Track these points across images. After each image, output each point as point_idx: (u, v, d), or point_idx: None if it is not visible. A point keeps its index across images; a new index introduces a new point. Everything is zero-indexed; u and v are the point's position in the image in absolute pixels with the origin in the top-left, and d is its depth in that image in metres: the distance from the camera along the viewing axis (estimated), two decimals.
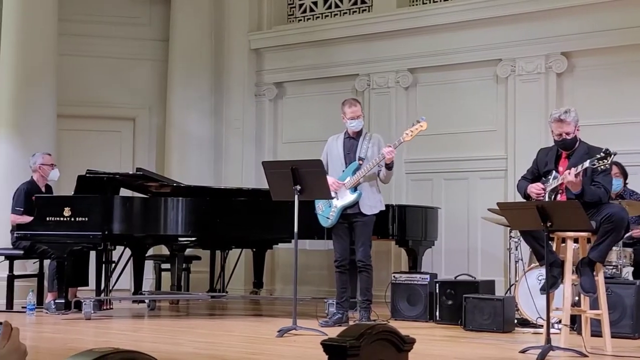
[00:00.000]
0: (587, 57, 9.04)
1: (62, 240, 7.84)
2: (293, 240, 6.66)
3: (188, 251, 9.18)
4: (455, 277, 8.13)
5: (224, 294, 9.35)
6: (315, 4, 11.11)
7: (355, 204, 7.03)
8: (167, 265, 9.22)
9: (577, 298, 6.11)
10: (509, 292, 7.85)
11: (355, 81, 10.39)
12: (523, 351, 5.50)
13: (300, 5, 11.24)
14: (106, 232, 7.70)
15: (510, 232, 7.91)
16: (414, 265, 8.71)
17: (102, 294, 8.07)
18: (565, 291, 5.57)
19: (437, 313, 7.49)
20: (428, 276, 7.77)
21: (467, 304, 6.99)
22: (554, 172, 5.85)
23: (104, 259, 8.09)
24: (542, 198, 5.76)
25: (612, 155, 5.46)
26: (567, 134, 5.78)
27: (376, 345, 2.51)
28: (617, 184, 7.24)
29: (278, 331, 6.31)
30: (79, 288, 8.47)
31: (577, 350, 5.30)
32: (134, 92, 11.37)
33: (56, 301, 7.91)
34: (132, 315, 8.36)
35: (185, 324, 7.61)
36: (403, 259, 9.47)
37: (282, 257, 10.64)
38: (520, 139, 9.17)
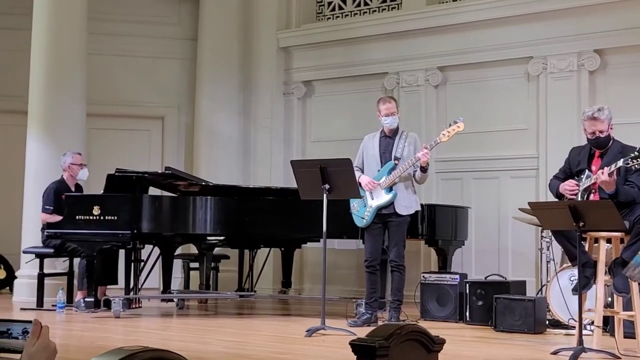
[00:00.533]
0: (620, 54, 8.93)
1: (92, 238, 7.88)
2: (322, 240, 6.63)
3: (216, 250, 9.19)
4: (486, 278, 8.05)
5: (252, 293, 9.35)
6: (344, 1, 11.08)
7: (390, 204, 6.99)
8: (195, 264, 9.23)
9: (609, 299, 6.03)
10: (540, 292, 7.77)
11: (384, 79, 10.35)
12: (555, 352, 5.43)
13: (329, 4, 11.21)
14: (135, 231, 7.72)
15: (541, 232, 7.83)
16: (444, 265, 8.65)
17: (131, 293, 8.09)
18: (597, 292, 5.50)
19: (467, 313, 7.43)
20: (458, 276, 7.71)
21: (497, 304, 6.92)
22: (586, 171, 5.77)
23: (133, 258, 8.11)
24: (575, 196, 5.68)
25: None
26: (601, 132, 5.70)
27: (405, 345, 2.48)
28: None
29: (306, 331, 6.29)
30: (108, 286, 8.51)
31: (610, 352, 5.23)
32: (163, 91, 11.41)
33: (86, 299, 7.95)
34: (161, 314, 8.38)
35: (214, 323, 7.61)
36: (433, 259, 9.41)
37: (310, 256, 10.62)
38: (551, 137, 9.07)
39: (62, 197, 8.22)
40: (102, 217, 7.73)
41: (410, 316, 7.39)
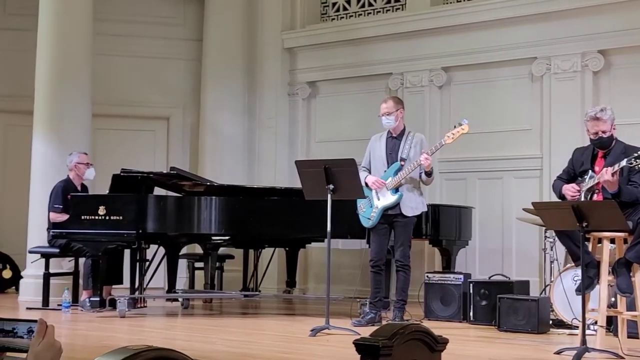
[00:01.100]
0: (624, 55, 8.93)
1: (97, 238, 7.90)
2: (326, 240, 6.65)
3: (221, 250, 9.19)
4: (490, 277, 8.06)
5: (257, 292, 9.35)
6: (348, 2, 11.09)
7: (396, 205, 7.00)
8: (200, 264, 9.24)
9: (613, 299, 6.03)
10: (544, 292, 7.77)
11: (388, 80, 10.36)
12: (558, 352, 5.44)
13: (334, 4, 11.22)
14: (140, 231, 7.74)
15: (545, 232, 7.83)
16: (448, 265, 8.66)
17: (137, 292, 8.11)
18: (601, 292, 5.51)
19: (471, 313, 7.44)
20: (462, 276, 7.72)
21: (501, 304, 6.93)
22: (589, 171, 5.79)
23: (138, 258, 8.12)
24: (577, 200, 5.69)
25: None
26: (604, 132, 5.72)
27: (409, 345, 2.50)
28: None
29: (311, 330, 6.30)
30: (113, 286, 8.53)
31: (614, 352, 5.23)
32: (168, 92, 11.44)
33: (91, 299, 7.97)
34: (166, 314, 8.40)
35: (218, 322, 7.62)
36: (437, 259, 9.42)
37: (314, 256, 10.63)
38: (555, 138, 9.07)
39: (68, 197, 8.25)
40: (107, 217, 7.75)
41: (414, 316, 7.40)
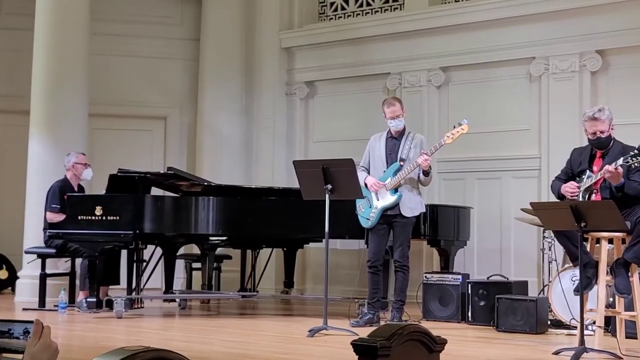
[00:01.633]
0: (622, 55, 8.92)
1: (94, 239, 7.88)
2: (324, 240, 6.63)
3: (219, 250, 9.18)
4: (488, 278, 8.06)
5: (254, 293, 9.35)
6: (346, 2, 11.08)
7: (395, 205, 7.00)
8: (198, 265, 9.23)
9: (611, 299, 6.03)
10: (542, 293, 7.77)
11: (386, 80, 10.35)
12: (556, 353, 5.43)
13: (332, 4, 11.21)
14: (137, 231, 7.73)
15: (543, 232, 7.83)
16: (446, 266, 8.65)
17: (134, 293, 8.10)
18: (599, 292, 5.50)
19: (469, 314, 7.44)
20: (460, 276, 7.72)
21: (499, 304, 6.92)
22: (587, 171, 5.78)
23: (135, 258, 8.12)
24: (576, 197, 5.69)
25: None
26: (602, 132, 5.72)
27: (407, 345, 2.48)
28: None
29: (309, 331, 6.30)
30: (110, 287, 8.52)
31: (612, 352, 5.23)
32: (166, 92, 11.43)
33: (88, 300, 7.96)
34: (163, 314, 8.38)
35: (216, 323, 7.61)
36: (435, 259, 9.41)
37: (312, 256, 10.62)
38: (554, 138, 9.07)
39: (65, 197, 8.23)
40: (104, 217, 7.74)
41: (412, 316, 7.39)
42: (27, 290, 8.98)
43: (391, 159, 7.12)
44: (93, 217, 7.74)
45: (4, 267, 10.52)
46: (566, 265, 7.00)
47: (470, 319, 7.42)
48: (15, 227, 9.68)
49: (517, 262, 9.30)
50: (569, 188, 5.78)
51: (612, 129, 5.79)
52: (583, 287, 5.45)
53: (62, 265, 9.03)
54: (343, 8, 11.11)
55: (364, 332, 2.79)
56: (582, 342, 5.22)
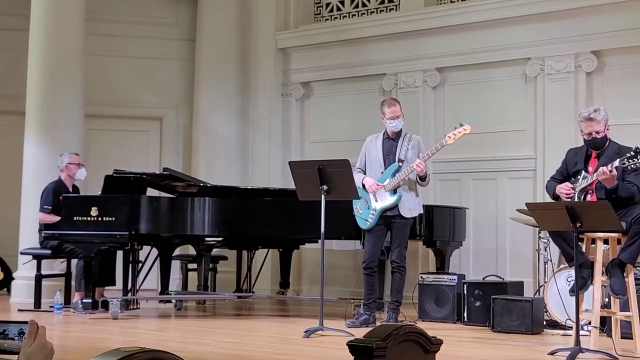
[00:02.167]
0: (617, 55, 8.94)
1: (90, 239, 7.88)
2: (320, 241, 6.63)
3: (215, 251, 9.18)
4: (484, 278, 8.05)
5: (250, 294, 9.35)
6: (342, 3, 11.08)
7: (395, 206, 6.99)
8: (193, 265, 9.23)
9: (607, 300, 6.03)
10: (537, 293, 7.78)
11: (382, 80, 10.35)
12: (552, 353, 5.43)
13: (327, 5, 11.21)
14: (133, 232, 7.72)
15: (539, 232, 7.83)
16: (442, 266, 8.66)
17: (129, 294, 8.09)
18: (594, 293, 5.51)
19: (465, 314, 7.44)
20: (456, 277, 7.72)
21: (495, 305, 6.92)
22: (583, 172, 5.79)
23: (130, 259, 8.11)
24: (571, 198, 5.70)
25: None
26: (597, 132, 5.72)
27: (403, 346, 2.48)
28: None
29: (305, 332, 6.29)
30: (106, 287, 8.50)
31: (607, 352, 5.23)
32: (161, 92, 11.41)
33: (83, 301, 7.95)
34: (159, 315, 8.38)
35: (212, 324, 7.61)
36: (431, 260, 9.41)
37: (308, 257, 10.62)
38: (549, 138, 9.08)
39: (59, 198, 8.22)
40: (100, 218, 7.72)
41: (408, 317, 7.39)
42: (23, 292, 8.97)
43: (389, 159, 7.11)
44: (89, 218, 7.73)
45: (0, 268, 10.50)
46: (562, 266, 7.01)
47: (466, 319, 7.42)
48: (11, 228, 9.67)
49: (512, 263, 9.30)
50: (563, 190, 5.79)
51: (607, 129, 5.79)
52: (578, 288, 5.46)
53: (57, 266, 9.01)
54: (339, 9, 11.11)
55: (360, 332, 2.79)
56: (577, 342, 5.22)
